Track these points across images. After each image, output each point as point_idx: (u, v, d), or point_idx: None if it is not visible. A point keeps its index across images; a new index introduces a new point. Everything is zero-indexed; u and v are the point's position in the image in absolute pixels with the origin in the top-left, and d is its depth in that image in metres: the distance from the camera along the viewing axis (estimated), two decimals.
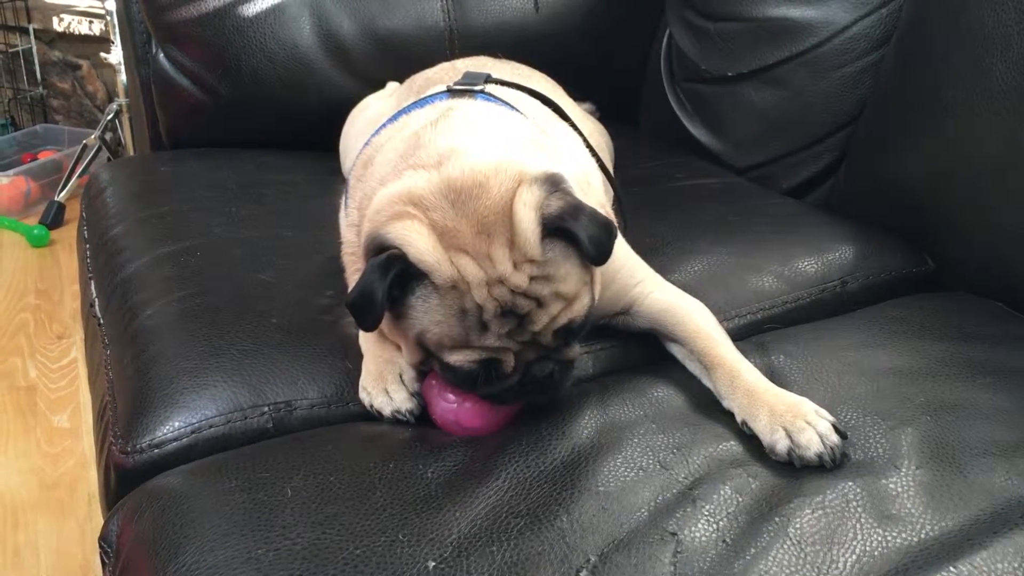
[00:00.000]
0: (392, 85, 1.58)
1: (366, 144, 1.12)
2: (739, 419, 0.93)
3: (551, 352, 0.91)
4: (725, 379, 0.96)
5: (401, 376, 0.97)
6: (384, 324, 0.92)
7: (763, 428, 0.90)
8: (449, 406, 0.94)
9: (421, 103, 1.11)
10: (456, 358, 0.88)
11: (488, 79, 1.16)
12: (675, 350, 1.06)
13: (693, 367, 1.03)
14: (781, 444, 0.87)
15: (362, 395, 0.98)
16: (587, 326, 0.94)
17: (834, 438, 0.87)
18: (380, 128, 1.12)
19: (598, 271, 0.94)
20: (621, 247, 1.07)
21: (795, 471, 0.85)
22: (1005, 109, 1.21)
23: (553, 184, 0.89)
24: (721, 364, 0.98)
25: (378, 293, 0.85)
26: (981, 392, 0.97)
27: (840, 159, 1.59)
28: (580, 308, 0.91)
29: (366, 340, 1.03)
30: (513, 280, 0.86)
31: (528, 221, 0.86)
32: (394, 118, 1.12)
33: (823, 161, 1.61)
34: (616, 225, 0.93)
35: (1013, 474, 0.84)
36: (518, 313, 0.87)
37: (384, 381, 0.97)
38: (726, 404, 0.95)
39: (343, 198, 1.16)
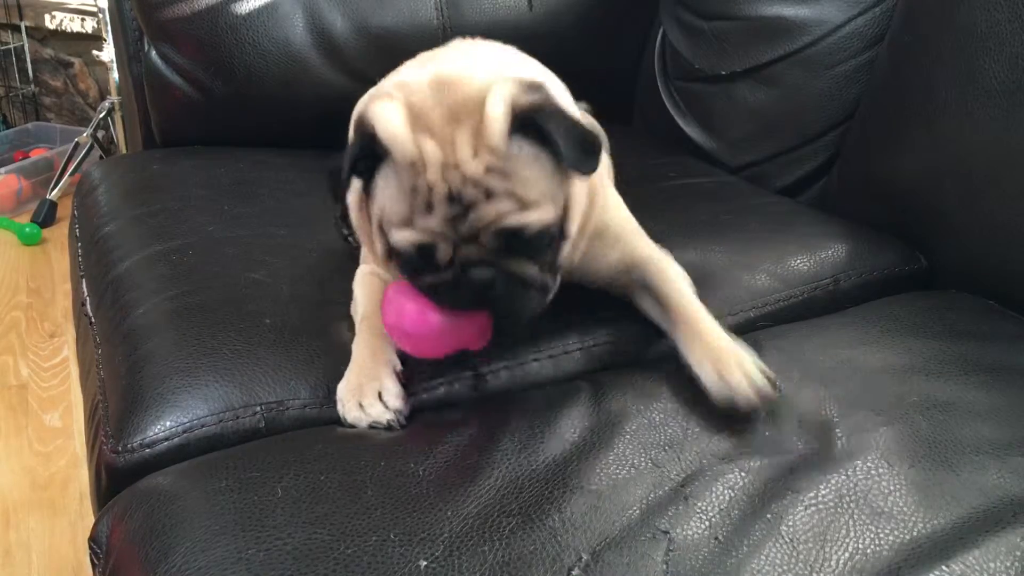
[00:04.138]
0: None
1: None
2: (683, 361, 0.97)
3: (495, 258, 0.88)
4: (687, 333, 0.99)
5: (381, 394, 0.95)
6: (357, 214, 0.95)
7: (695, 360, 0.96)
8: (393, 307, 0.92)
9: None
10: (398, 236, 0.88)
11: None
12: (638, 297, 1.07)
13: (655, 315, 1.05)
14: (709, 379, 0.93)
15: (338, 406, 0.97)
16: (546, 246, 0.90)
17: (760, 380, 0.92)
18: None
19: (578, 194, 0.92)
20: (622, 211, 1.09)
21: (787, 466, 0.85)
22: (998, 108, 1.21)
23: (534, 86, 0.88)
24: (686, 320, 1.00)
25: (346, 165, 0.87)
26: (974, 390, 0.97)
27: (833, 158, 1.59)
28: (536, 218, 0.87)
29: (360, 346, 1.01)
30: (468, 167, 0.85)
31: (495, 110, 0.85)
32: None
33: (816, 160, 1.61)
34: (602, 139, 0.91)
35: (1006, 472, 0.84)
36: (465, 201, 0.85)
37: (360, 395, 0.95)
38: (683, 353, 0.98)
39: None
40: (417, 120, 0.86)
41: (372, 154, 0.88)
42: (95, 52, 3.13)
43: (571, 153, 0.85)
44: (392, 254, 0.91)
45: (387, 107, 0.88)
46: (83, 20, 3.54)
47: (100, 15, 3.15)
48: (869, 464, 0.85)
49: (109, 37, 2.97)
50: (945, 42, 1.30)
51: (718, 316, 1.02)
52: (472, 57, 0.99)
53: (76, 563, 1.76)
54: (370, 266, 1.10)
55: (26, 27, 3.70)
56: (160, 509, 0.81)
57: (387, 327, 0.96)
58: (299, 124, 1.71)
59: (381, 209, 0.89)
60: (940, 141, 1.31)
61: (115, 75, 3.07)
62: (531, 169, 0.87)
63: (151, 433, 0.94)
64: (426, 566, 0.72)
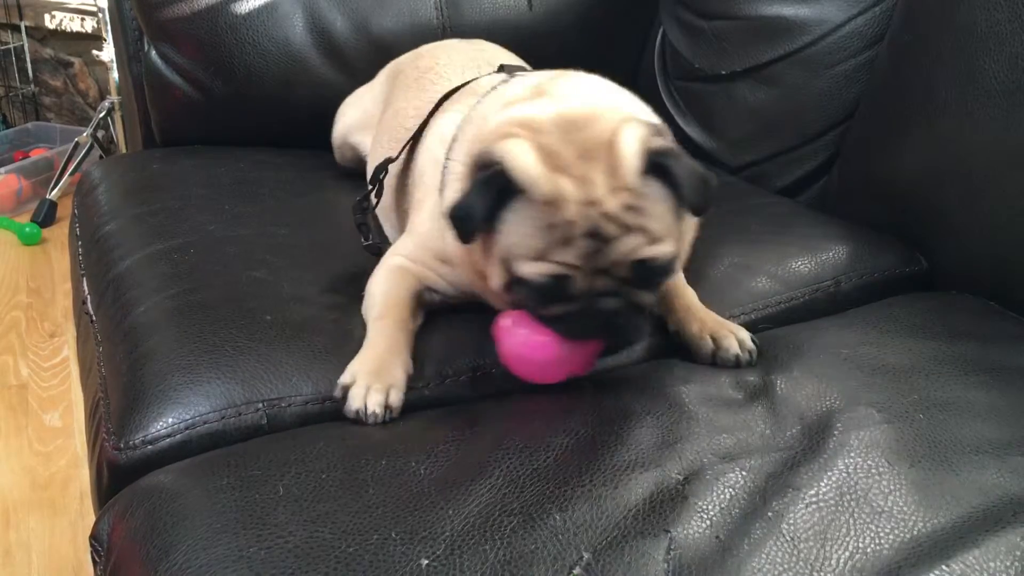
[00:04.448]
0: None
1: (459, 138, 1.12)
2: (672, 328, 1.09)
3: (623, 288, 0.92)
4: (668, 297, 1.10)
5: (389, 390, 0.97)
6: (471, 248, 0.98)
7: (694, 334, 1.07)
8: (518, 338, 0.95)
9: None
10: (530, 269, 0.91)
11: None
12: None
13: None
14: (707, 347, 1.06)
15: (344, 377, 0.98)
16: (667, 276, 0.98)
17: (750, 345, 1.05)
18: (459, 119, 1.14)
19: (688, 229, 0.99)
20: None
21: (788, 465, 0.85)
22: (998, 108, 1.21)
23: (659, 129, 0.94)
24: (684, 305, 1.10)
25: (479, 205, 0.90)
26: (974, 390, 0.98)
27: (833, 158, 1.59)
28: (662, 251, 0.92)
29: (382, 335, 1.03)
30: (606, 204, 0.89)
31: (630, 150, 0.90)
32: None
33: (816, 160, 1.61)
34: (713, 180, 0.95)
35: (1005, 472, 0.84)
36: (603, 236, 0.89)
37: (373, 381, 0.97)
38: (682, 331, 1.09)
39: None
40: (550, 159, 0.90)
41: (503, 191, 0.90)
42: (95, 52, 3.12)
43: (692, 195, 0.91)
44: (515, 285, 0.94)
45: (520, 146, 0.90)
46: (83, 20, 3.54)
47: (100, 15, 3.14)
48: (870, 463, 0.85)
49: (109, 37, 2.97)
50: (945, 42, 1.30)
51: None
52: (586, 89, 1.04)
53: (76, 563, 1.76)
54: (400, 261, 1.13)
55: (26, 27, 3.70)
56: (161, 507, 0.81)
57: (506, 354, 0.97)
58: (299, 124, 1.71)
59: (509, 243, 0.92)
60: (940, 141, 1.31)
61: (115, 75, 3.07)
62: (659, 206, 0.91)
63: (153, 430, 0.94)
64: (427, 565, 0.72)
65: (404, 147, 1.26)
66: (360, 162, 1.55)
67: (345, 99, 1.63)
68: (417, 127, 1.25)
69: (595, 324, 0.93)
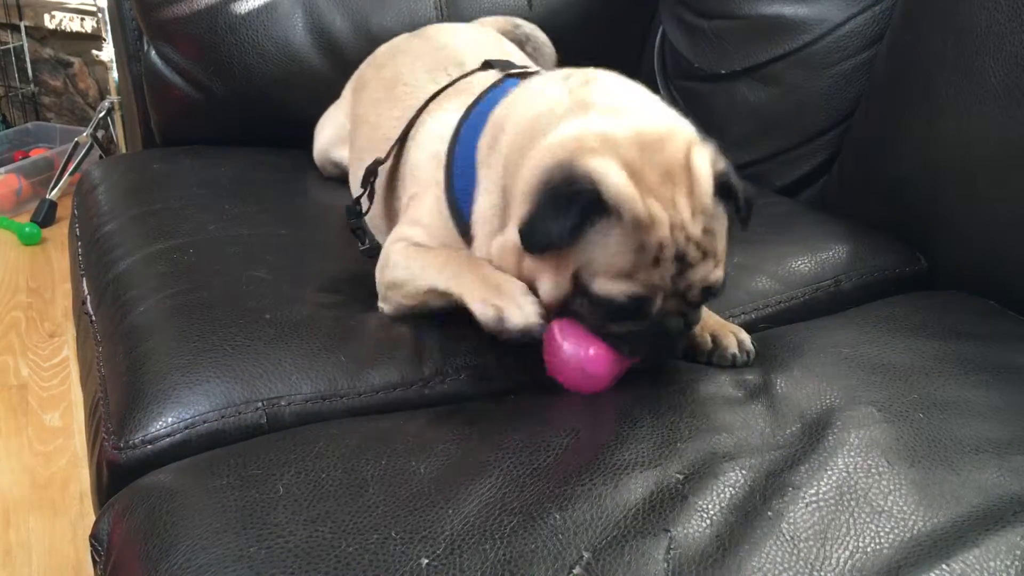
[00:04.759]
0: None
1: (470, 125, 1.12)
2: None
3: (686, 309, 0.95)
4: None
5: (527, 296, 0.96)
6: (501, 249, 0.99)
7: (694, 333, 1.04)
8: (575, 352, 0.95)
9: (504, 87, 1.14)
10: (610, 287, 0.91)
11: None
12: None
13: None
14: (706, 347, 1.05)
15: (482, 308, 0.97)
16: (719, 296, 0.99)
17: (748, 346, 1.05)
18: (481, 110, 1.12)
19: (730, 243, 0.99)
20: None
21: (788, 465, 0.85)
22: (998, 108, 1.21)
23: (717, 150, 0.97)
24: None
25: (565, 221, 0.88)
26: (974, 390, 0.98)
27: (833, 157, 1.59)
28: (723, 273, 0.95)
29: (462, 266, 1.03)
30: (692, 227, 0.91)
31: (706, 175, 0.92)
32: (492, 100, 1.12)
33: (816, 159, 1.61)
34: (757, 196, 0.99)
35: (1006, 471, 0.84)
36: (688, 260, 0.91)
37: (510, 293, 0.96)
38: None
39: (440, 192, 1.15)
40: (637, 180, 0.90)
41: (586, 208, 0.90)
42: (95, 52, 3.12)
43: (747, 214, 0.96)
44: (580, 298, 0.93)
45: (610, 166, 0.90)
46: (83, 20, 3.54)
47: (100, 15, 3.14)
48: (870, 462, 0.85)
49: (109, 37, 2.97)
50: (945, 41, 1.30)
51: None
52: (633, 101, 1.04)
53: (76, 563, 1.76)
54: (414, 235, 1.13)
55: (26, 27, 3.70)
56: (161, 506, 0.81)
57: (559, 367, 0.96)
58: (299, 123, 1.70)
59: (588, 259, 0.92)
60: (940, 140, 1.31)
61: (115, 75, 3.07)
62: (722, 227, 0.95)
63: (152, 429, 0.94)
64: (427, 564, 0.72)
65: (391, 150, 1.25)
66: (345, 175, 1.54)
67: (319, 120, 1.63)
68: (403, 131, 1.24)
69: (659, 344, 0.96)
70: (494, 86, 1.16)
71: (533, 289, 0.98)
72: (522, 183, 0.97)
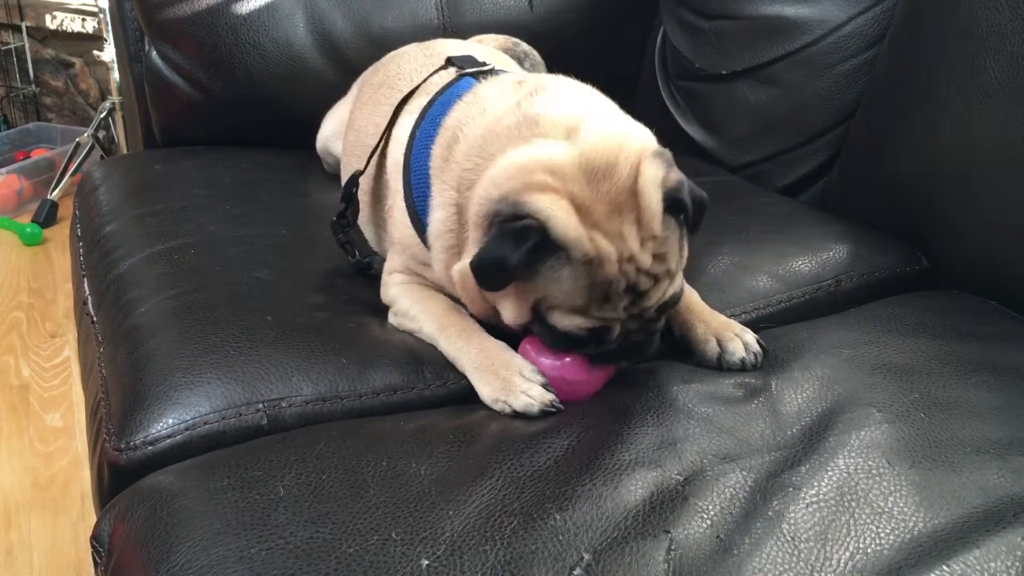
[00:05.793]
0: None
1: (424, 130, 1.11)
2: (677, 334, 1.07)
3: (647, 324, 0.97)
4: (690, 317, 1.08)
5: (521, 373, 0.97)
6: (461, 277, 0.98)
7: (698, 338, 1.05)
8: (554, 363, 0.97)
9: (458, 88, 1.12)
10: (566, 322, 0.93)
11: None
12: None
13: None
14: (712, 351, 1.04)
15: (499, 407, 0.97)
16: (677, 305, 1.01)
17: (756, 347, 1.03)
18: (433, 114, 1.12)
19: (686, 247, 0.99)
20: None
21: (788, 465, 0.85)
22: (999, 108, 1.21)
23: (667, 160, 0.95)
24: (687, 306, 1.09)
25: (512, 259, 0.88)
26: (975, 390, 0.98)
27: (834, 157, 1.59)
28: (679, 285, 0.98)
29: (468, 343, 1.03)
30: (640, 259, 0.92)
31: (654, 200, 0.92)
32: (445, 103, 1.11)
33: (817, 159, 1.61)
34: (708, 201, 0.98)
35: (1006, 472, 0.84)
36: (639, 290, 0.93)
37: (515, 385, 0.97)
38: (687, 334, 1.07)
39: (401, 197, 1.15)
40: (583, 214, 0.90)
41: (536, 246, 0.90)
42: (96, 52, 3.13)
43: (698, 221, 0.96)
44: (540, 326, 0.96)
45: (556, 203, 0.90)
46: (84, 20, 3.54)
47: (101, 15, 3.15)
48: (870, 463, 0.85)
49: (110, 37, 2.97)
50: (946, 41, 1.30)
51: None
52: (582, 112, 0.99)
53: (78, 563, 1.76)
54: (400, 279, 1.14)
55: (27, 27, 3.70)
56: (162, 508, 0.81)
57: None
58: (299, 124, 1.70)
59: (543, 294, 0.93)
60: (941, 141, 1.31)
61: (116, 75, 3.07)
62: (674, 242, 0.95)
63: (153, 431, 0.94)
64: (428, 565, 0.72)
65: (370, 158, 1.24)
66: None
67: (327, 113, 1.63)
68: (379, 138, 1.23)
69: (625, 354, 0.98)
70: (448, 87, 1.14)
71: (496, 313, 0.99)
72: (474, 209, 0.97)
